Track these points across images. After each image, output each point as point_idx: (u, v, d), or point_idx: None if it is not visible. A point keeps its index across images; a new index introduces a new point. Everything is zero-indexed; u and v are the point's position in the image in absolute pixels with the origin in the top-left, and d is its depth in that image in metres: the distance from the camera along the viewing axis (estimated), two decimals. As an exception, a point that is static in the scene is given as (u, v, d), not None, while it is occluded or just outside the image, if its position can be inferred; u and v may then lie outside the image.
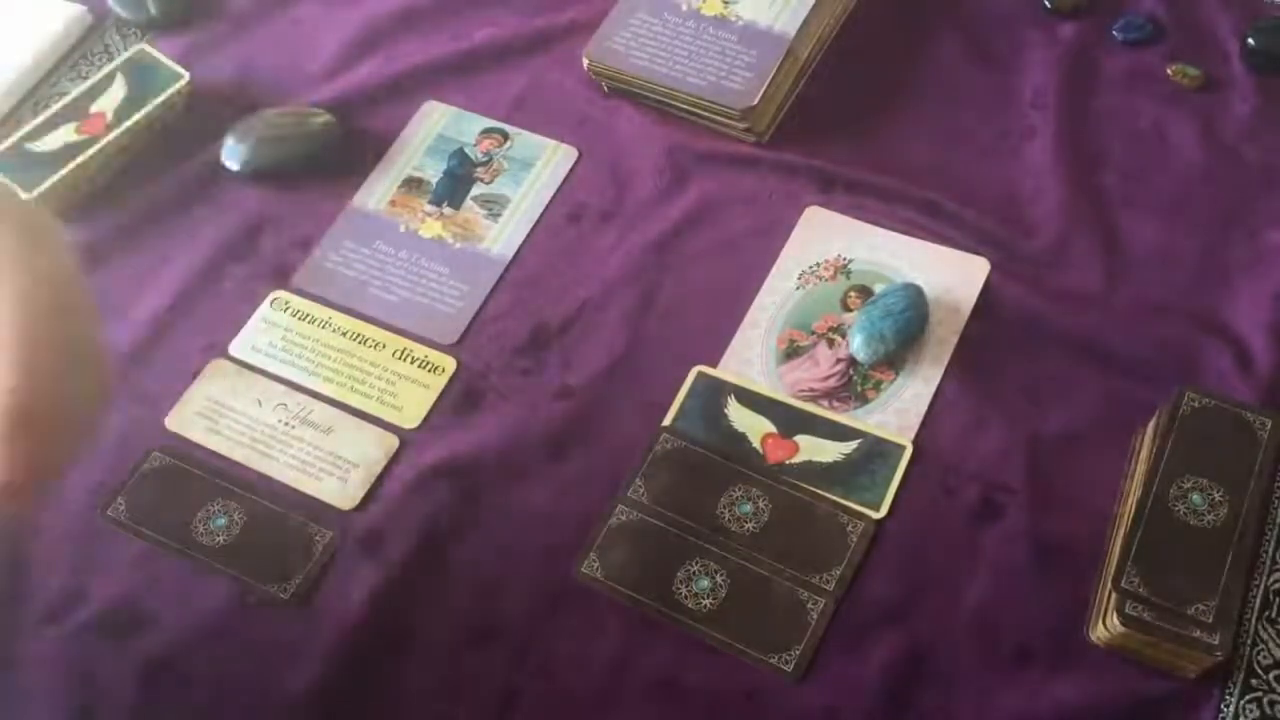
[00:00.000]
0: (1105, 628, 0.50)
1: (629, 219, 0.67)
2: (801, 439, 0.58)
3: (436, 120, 0.72)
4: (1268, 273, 0.61)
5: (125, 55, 0.73)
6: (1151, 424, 0.55)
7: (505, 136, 0.71)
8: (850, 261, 0.64)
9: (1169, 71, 0.69)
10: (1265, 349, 0.58)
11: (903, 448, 0.57)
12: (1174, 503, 0.51)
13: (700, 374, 0.61)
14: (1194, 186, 0.65)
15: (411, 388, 0.62)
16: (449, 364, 0.62)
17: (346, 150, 0.70)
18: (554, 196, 0.68)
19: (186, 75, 0.72)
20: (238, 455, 0.60)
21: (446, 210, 0.68)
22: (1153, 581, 0.49)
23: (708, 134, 0.69)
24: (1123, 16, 0.72)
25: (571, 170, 0.69)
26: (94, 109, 0.70)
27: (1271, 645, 0.51)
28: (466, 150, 0.70)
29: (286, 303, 0.65)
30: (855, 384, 0.60)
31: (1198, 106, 0.68)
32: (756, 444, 0.58)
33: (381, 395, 0.61)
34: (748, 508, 0.56)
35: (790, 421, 0.59)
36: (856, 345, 0.59)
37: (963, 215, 0.64)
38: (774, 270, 0.64)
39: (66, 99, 0.71)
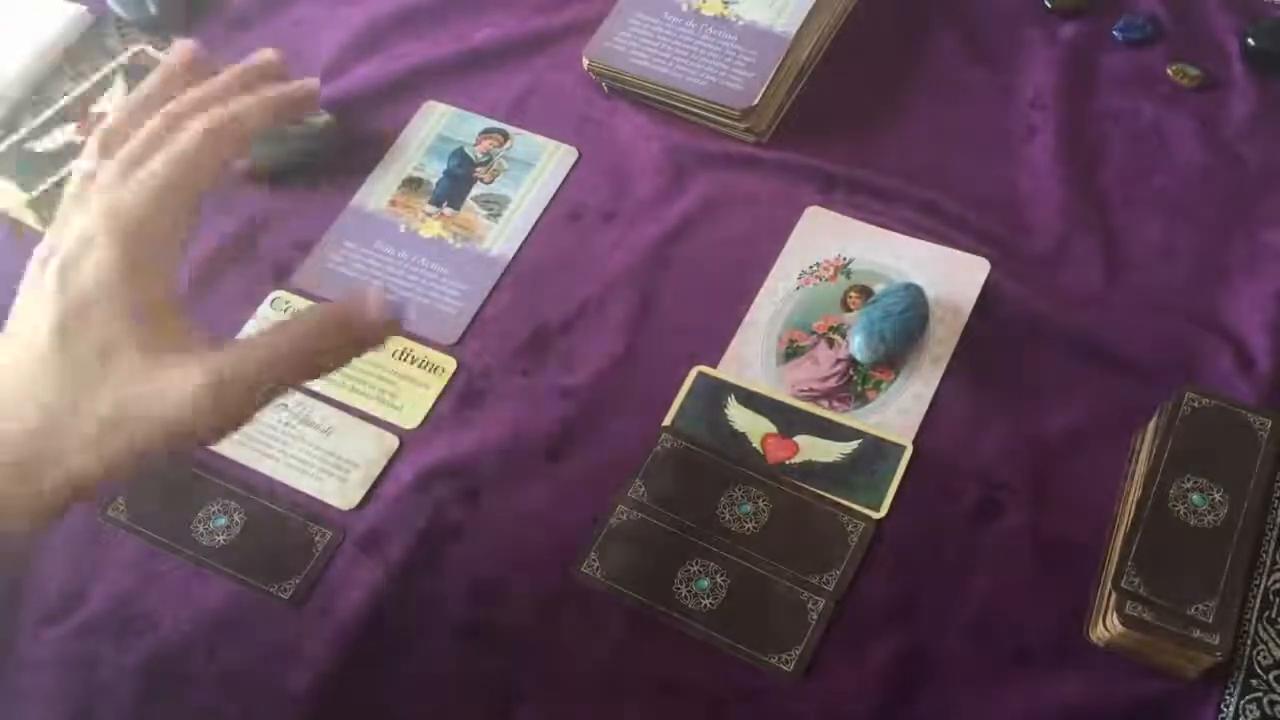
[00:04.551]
0: (1105, 628, 0.50)
1: (629, 219, 0.67)
2: (801, 439, 0.58)
3: (436, 120, 0.72)
4: (1268, 273, 0.61)
5: (125, 55, 0.73)
6: (1152, 424, 0.55)
7: (505, 136, 0.71)
8: (850, 261, 0.64)
9: (1169, 71, 0.69)
10: (1265, 349, 0.58)
11: (903, 448, 0.57)
12: (1174, 503, 0.51)
13: (700, 374, 0.61)
14: (1194, 186, 0.65)
15: (411, 388, 0.62)
16: (449, 364, 0.62)
17: (346, 150, 0.70)
18: (554, 196, 0.68)
19: (186, 75, 0.71)
20: (238, 455, 0.60)
21: (446, 210, 0.68)
22: (1153, 581, 0.49)
23: (708, 134, 0.69)
24: (1123, 16, 0.72)
25: (571, 170, 0.69)
26: (94, 109, 0.70)
27: (1271, 645, 0.51)
28: (466, 150, 0.70)
29: (287, 303, 0.65)
30: (855, 384, 0.60)
31: (1198, 106, 0.68)
32: (756, 444, 0.58)
33: (381, 395, 0.61)
34: (748, 508, 0.56)
35: (790, 421, 0.59)
36: (856, 345, 0.59)
37: (963, 215, 0.64)
38: (774, 270, 0.64)
39: (66, 99, 0.71)
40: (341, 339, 0.43)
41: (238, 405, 0.41)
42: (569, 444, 0.59)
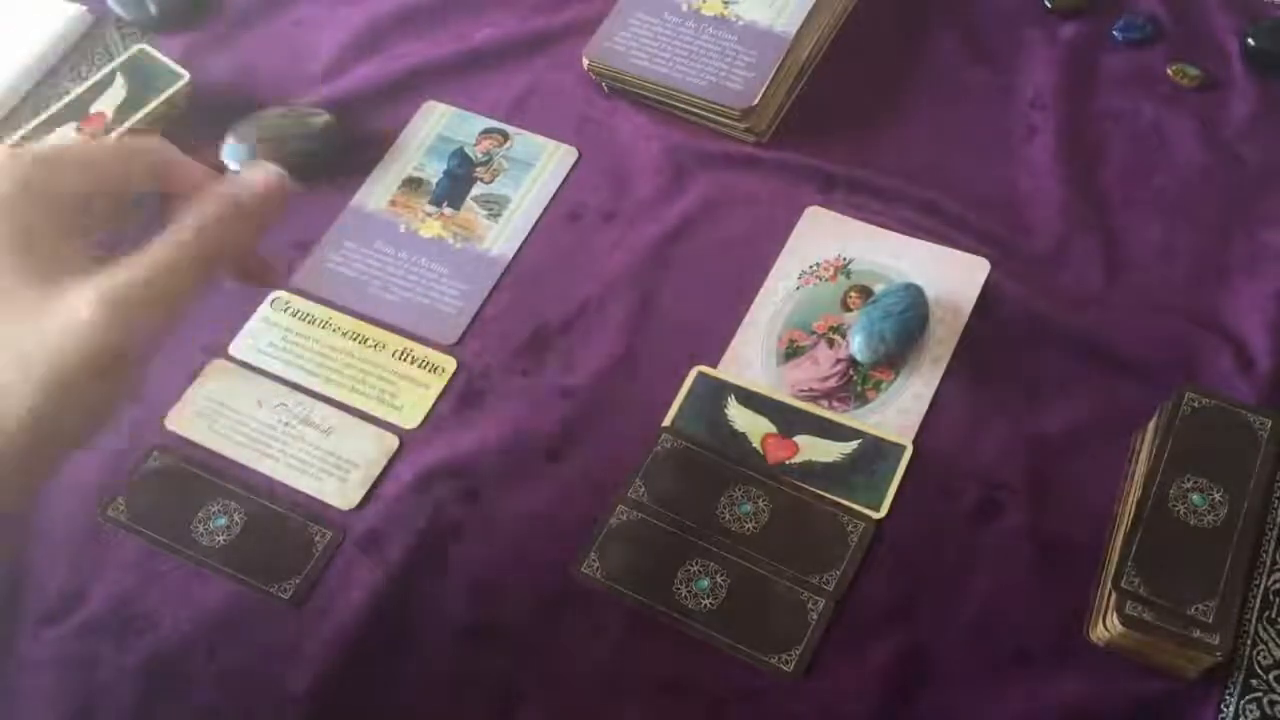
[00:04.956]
0: (1105, 628, 0.50)
1: (629, 219, 0.67)
2: (801, 439, 0.58)
3: (436, 120, 0.72)
4: (1268, 273, 0.61)
5: (125, 55, 0.73)
6: (1152, 424, 0.55)
7: (505, 136, 0.71)
8: (850, 261, 0.64)
9: (1169, 71, 0.69)
10: (1265, 349, 0.58)
11: (903, 448, 0.57)
12: (1174, 503, 0.51)
13: (700, 374, 0.61)
14: (1194, 186, 0.65)
15: (411, 388, 0.62)
16: (449, 364, 0.62)
17: (346, 150, 0.70)
18: (554, 196, 0.68)
19: (186, 75, 0.72)
20: (238, 455, 0.60)
21: (446, 210, 0.68)
22: (1153, 581, 0.49)
23: (708, 134, 0.69)
24: (1123, 16, 0.72)
25: (571, 170, 0.69)
26: (94, 109, 0.70)
27: (1271, 645, 0.51)
28: (466, 150, 0.70)
29: (287, 303, 0.65)
30: (855, 384, 0.60)
31: (1198, 106, 0.68)
32: (756, 444, 0.58)
33: (381, 395, 0.61)
34: (748, 508, 0.56)
35: (790, 421, 0.59)
36: (856, 345, 0.59)
37: (963, 215, 0.64)
38: (774, 270, 0.64)
39: (66, 99, 0.71)
40: (238, 225, 0.44)
41: (139, 323, 0.40)
42: (569, 444, 0.59)
